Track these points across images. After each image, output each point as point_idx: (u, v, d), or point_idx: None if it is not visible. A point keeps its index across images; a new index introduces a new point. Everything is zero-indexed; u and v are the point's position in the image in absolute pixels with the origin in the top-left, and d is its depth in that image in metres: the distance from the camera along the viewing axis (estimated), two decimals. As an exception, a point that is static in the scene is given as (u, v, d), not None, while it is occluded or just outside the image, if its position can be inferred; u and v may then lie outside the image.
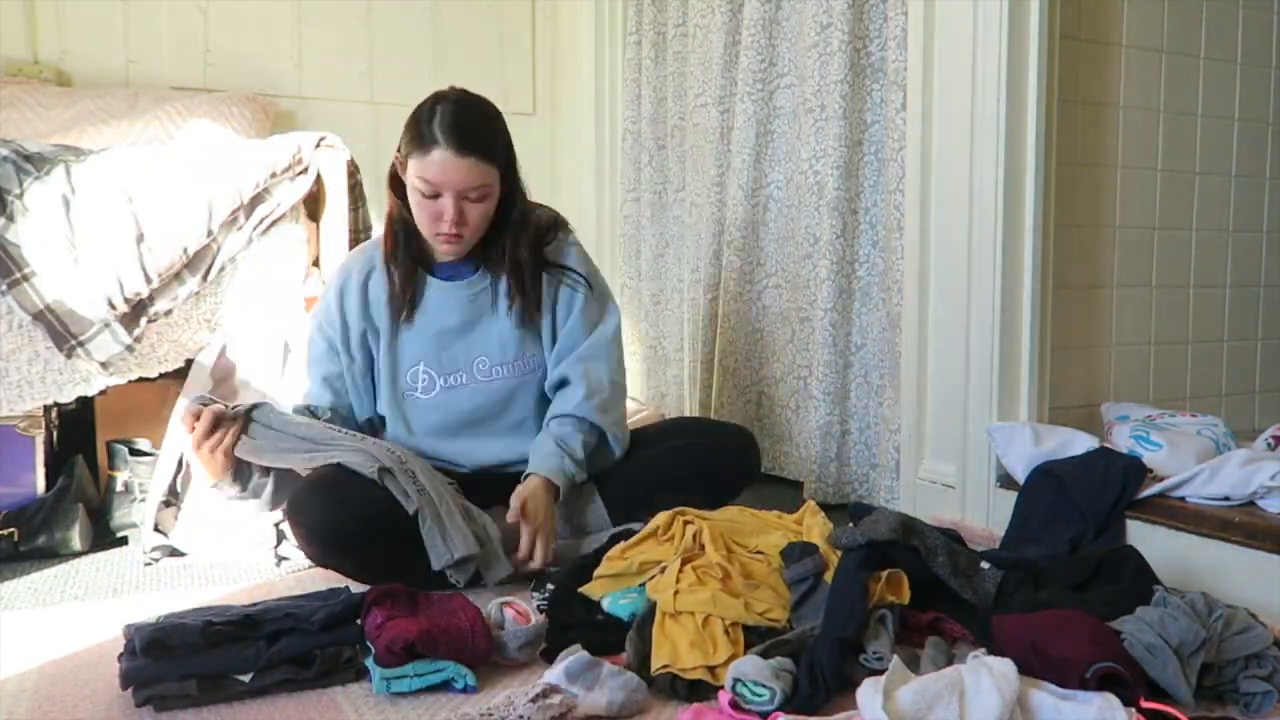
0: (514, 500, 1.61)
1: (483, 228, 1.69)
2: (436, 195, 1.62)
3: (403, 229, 1.73)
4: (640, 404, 2.84)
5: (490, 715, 1.06)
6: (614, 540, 1.58)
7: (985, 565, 1.40)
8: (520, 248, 1.73)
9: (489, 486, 1.71)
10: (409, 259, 1.73)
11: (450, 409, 1.74)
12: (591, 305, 1.79)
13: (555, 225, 1.81)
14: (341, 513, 1.53)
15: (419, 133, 1.62)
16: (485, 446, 1.76)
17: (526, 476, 1.66)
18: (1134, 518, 1.65)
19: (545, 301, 1.77)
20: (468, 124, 1.63)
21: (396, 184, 1.71)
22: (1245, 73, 2.34)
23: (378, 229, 2.25)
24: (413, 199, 1.66)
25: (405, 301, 1.73)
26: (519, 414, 1.78)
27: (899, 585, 1.32)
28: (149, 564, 1.80)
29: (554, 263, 1.77)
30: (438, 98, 1.68)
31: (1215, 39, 2.28)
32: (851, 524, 1.42)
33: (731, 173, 2.57)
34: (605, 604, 1.41)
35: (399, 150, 1.68)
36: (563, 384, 1.76)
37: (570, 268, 1.78)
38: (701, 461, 1.76)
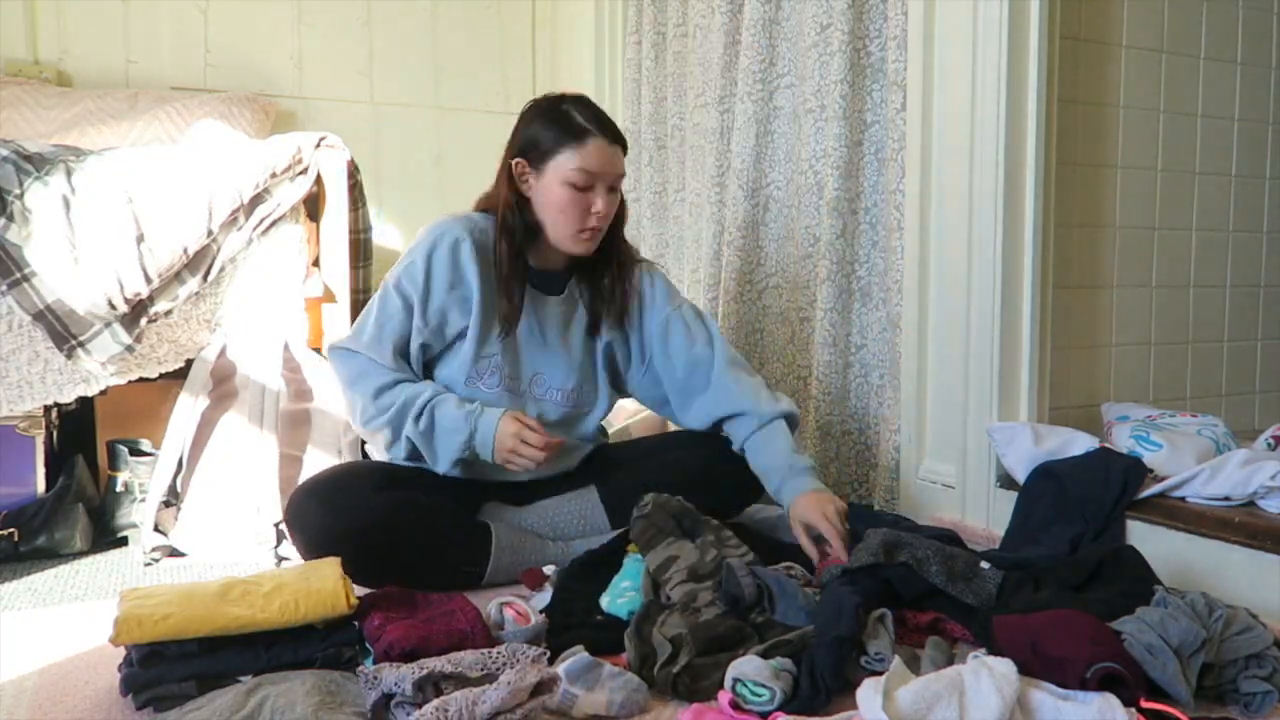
0: (799, 529, 1.61)
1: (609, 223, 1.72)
2: (589, 187, 1.64)
3: (523, 232, 1.69)
4: (642, 405, 2.83)
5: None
6: (612, 543, 1.58)
7: (985, 565, 1.40)
8: (625, 245, 1.80)
9: (522, 487, 1.73)
10: (522, 265, 1.70)
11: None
12: (696, 324, 1.83)
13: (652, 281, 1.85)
14: (340, 518, 1.53)
15: (568, 126, 1.64)
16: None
17: (790, 497, 1.65)
18: (1134, 518, 1.65)
19: (634, 319, 1.81)
20: (604, 115, 1.70)
21: (513, 189, 1.69)
22: (1245, 73, 2.34)
23: (378, 228, 2.25)
24: (559, 196, 1.64)
25: (512, 313, 1.69)
26: (563, 433, 1.74)
27: None
28: (149, 564, 1.80)
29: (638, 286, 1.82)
30: (555, 99, 1.70)
31: (1215, 39, 2.28)
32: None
33: (731, 173, 2.57)
34: (605, 604, 1.41)
35: (525, 153, 1.67)
36: (724, 393, 1.77)
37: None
38: (702, 475, 1.73)
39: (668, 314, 1.82)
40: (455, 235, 1.68)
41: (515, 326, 1.71)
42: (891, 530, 1.43)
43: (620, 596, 1.41)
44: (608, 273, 1.77)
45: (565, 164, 1.63)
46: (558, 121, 1.65)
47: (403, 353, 1.69)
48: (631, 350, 1.84)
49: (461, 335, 1.70)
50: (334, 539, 1.51)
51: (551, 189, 1.65)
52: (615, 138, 1.68)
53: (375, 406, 1.64)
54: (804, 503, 1.61)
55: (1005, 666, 1.06)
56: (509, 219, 1.68)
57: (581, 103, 1.69)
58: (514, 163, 1.69)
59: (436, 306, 1.68)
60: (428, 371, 1.74)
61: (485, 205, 1.75)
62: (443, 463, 1.63)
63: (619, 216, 1.76)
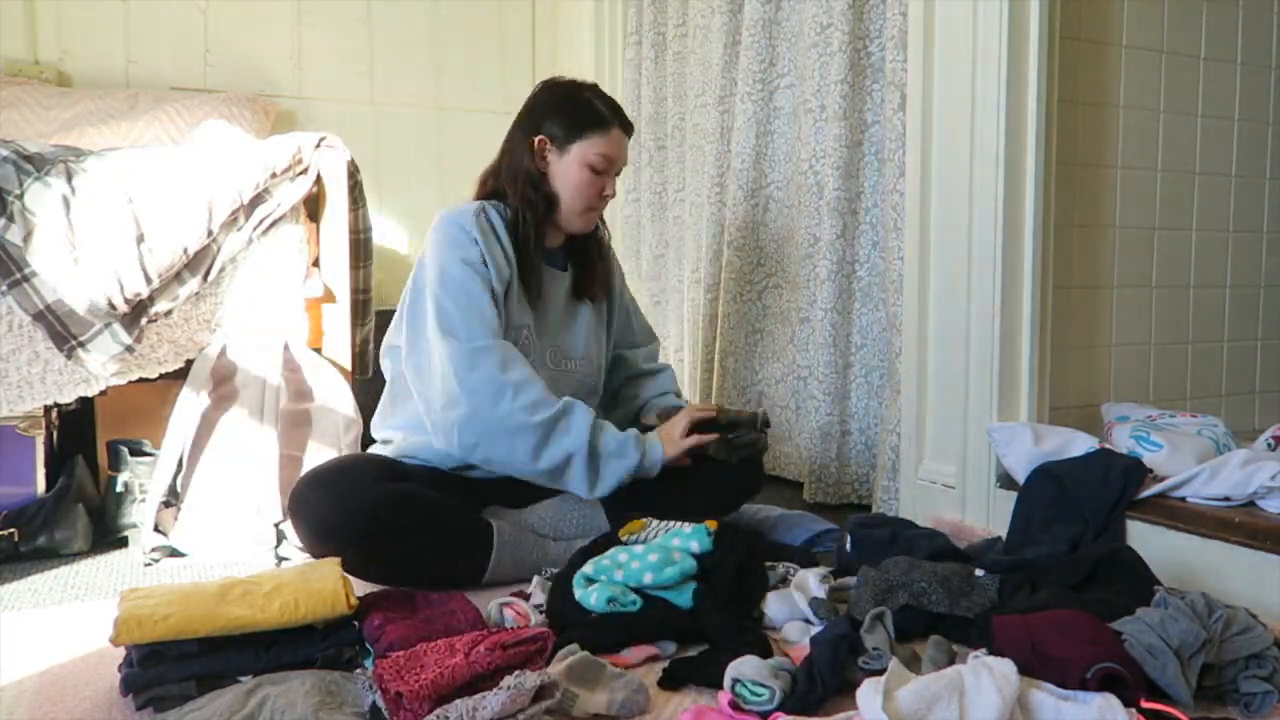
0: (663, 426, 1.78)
1: None
2: (605, 171, 1.79)
3: (545, 206, 1.78)
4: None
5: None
6: (606, 539, 1.57)
7: (980, 573, 1.40)
8: (605, 228, 1.97)
9: (523, 487, 1.73)
10: (541, 235, 1.79)
11: None
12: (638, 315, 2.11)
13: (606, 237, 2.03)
14: (342, 507, 1.54)
15: (592, 114, 1.78)
16: None
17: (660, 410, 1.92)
18: (1134, 518, 1.65)
19: (613, 289, 2.00)
20: (620, 107, 1.84)
21: (533, 163, 1.77)
22: (1245, 73, 2.34)
23: (378, 228, 2.26)
24: (579, 176, 1.77)
25: (537, 281, 1.78)
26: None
27: None
28: (149, 564, 1.80)
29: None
30: (574, 86, 1.83)
31: (1215, 39, 2.28)
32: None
33: (731, 173, 2.57)
34: (577, 596, 1.39)
35: (548, 131, 1.77)
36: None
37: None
38: (701, 473, 1.76)
39: (627, 297, 2.05)
40: (480, 209, 1.75)
41: (540, 294, 1.79)
42: (878, 572, 1.41)
43: (588, 586, 1.39)
44: (594, 248, 1.92)
45: (591, 148, 1.76)
46: (583, 107, 1.79)
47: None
48: (615, 315, 2.00)
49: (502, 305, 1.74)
50: (335, 528, 1.52)
51: (573, 169, 1.77)
52: (629, 128, 1.84)
53: (526, 413, 1.58)
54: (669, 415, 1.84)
55: (1005, 666, 1.06)
56: (529, 192, 1.77)
57: (598, 92, 1.84)
58: (537, 139, 1.78)
59: (498, 274, 1.71)
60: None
61: (491, 182, 1.83)
62: (604, 487, 1.65)
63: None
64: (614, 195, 1.84)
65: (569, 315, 1.88)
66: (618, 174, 1.84)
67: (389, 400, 1.83)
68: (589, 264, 1.91)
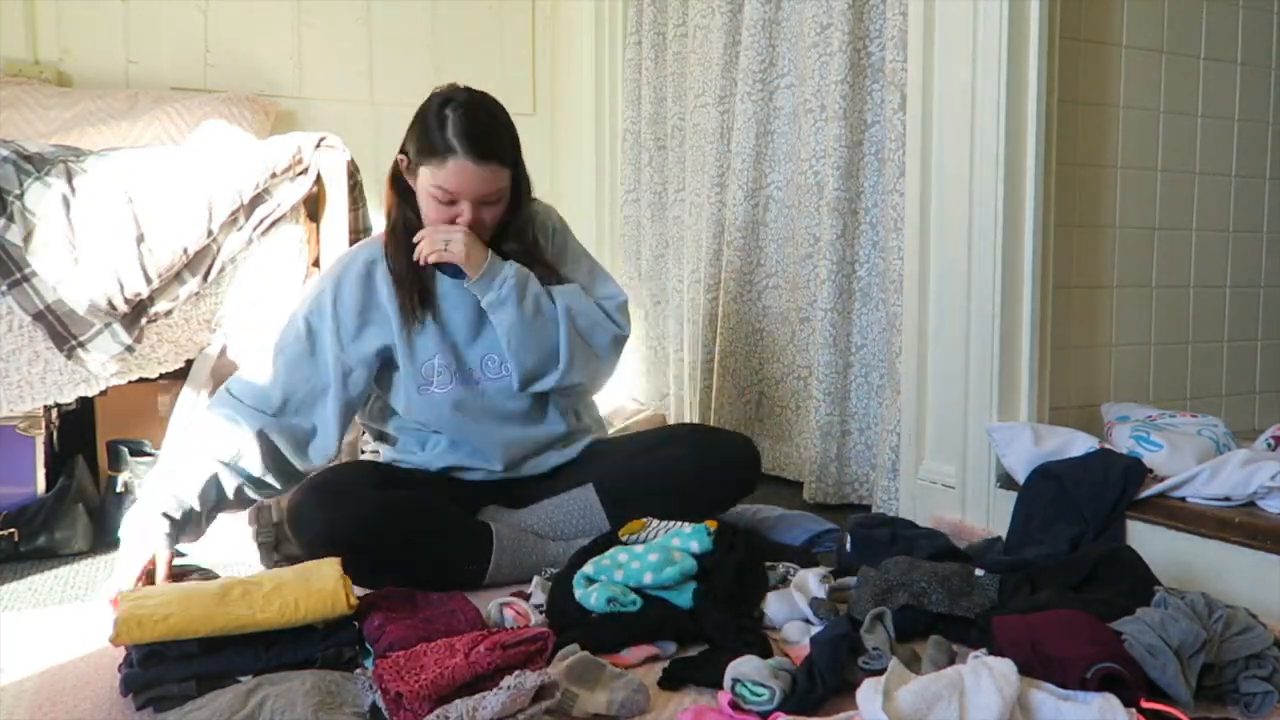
0: None
1: (494, 228, 1.67)
2: (453, 201, 1.60)
3: (404, 230, 1.67)
4: (641, 405, 2.84)
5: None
6: (607, 539, 1.57)
7: (979, 573, 1.40)
8: (510, 243, 1.70)
9: (521, 487, 1.73)
10: (413, 260, 1.66)
11: (466, 406, 1.70)
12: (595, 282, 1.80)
13: (549, 224, 1.79)
14: (340, 518, 1.53)
15: (432, 141, 1.58)
16: (509, 438, 1.74)
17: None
18: (1134, 518, 1.65)
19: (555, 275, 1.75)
20: (481, 129, 1.59)
21: (399, 184, 1.68)
22: (1245, 73, 2.34)
23: (378, 228, 2.25)
24: (425, 204, 1.63)
25: (413, 305, 1.67)
26: (530, 409, 1.76)
27: None
28: (149, 564, 1.80)
29: (550, 264, 1.76)
30: (446, 99, 1.62)
31: (1215, 39, 2.28)
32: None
33: (731, 173, 2.57)
34: (577, 596, 1.39)
35: (404, 152, 1.65)
36: None
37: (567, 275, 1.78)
38: (697, 471, 1.74)
39: (582, 271, 1.80)
40: (365, 259, 1.68)
41: (417, 319, 1.67)
42: (878, 572, 1.41)
43: (587, 587, 1.39)
44: (515, 242, 1.71)
45: (427, 177, 1.60)
46: (430, 130, 1.59)
47: (289, 385, 1.64)
48: None
49: (390, 353, 1.68)
50: (335, 538, 1.51)
51: (421, 195, 1.64)
52: (485, 155, 1.58)
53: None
54: None
55: (1005, 666, 1.06)
56: (394, 214, 1.69)
57: (466, 110, 1.60)
58: (398, 158, 1.67)
59: (350, 331, 1.66)
60: (381, 404, 1.77)
61: None
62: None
63: (517, 201, 1.70)
64: (477, 222, 1.61)
65: (482, 327, 1.71)
66: (492, 202, 1.63)
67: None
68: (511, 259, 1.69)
